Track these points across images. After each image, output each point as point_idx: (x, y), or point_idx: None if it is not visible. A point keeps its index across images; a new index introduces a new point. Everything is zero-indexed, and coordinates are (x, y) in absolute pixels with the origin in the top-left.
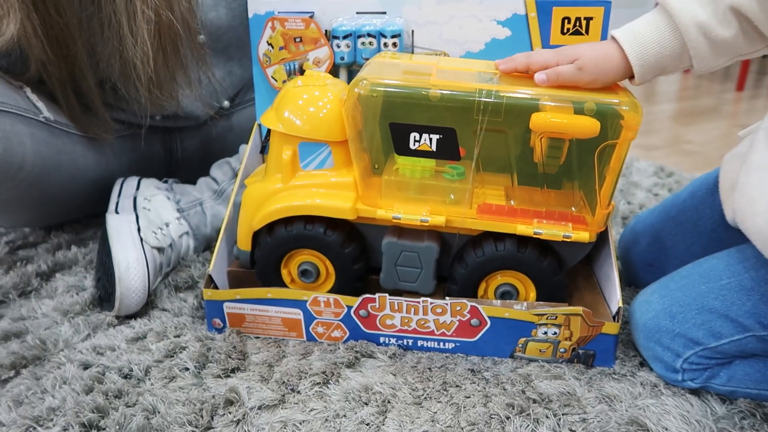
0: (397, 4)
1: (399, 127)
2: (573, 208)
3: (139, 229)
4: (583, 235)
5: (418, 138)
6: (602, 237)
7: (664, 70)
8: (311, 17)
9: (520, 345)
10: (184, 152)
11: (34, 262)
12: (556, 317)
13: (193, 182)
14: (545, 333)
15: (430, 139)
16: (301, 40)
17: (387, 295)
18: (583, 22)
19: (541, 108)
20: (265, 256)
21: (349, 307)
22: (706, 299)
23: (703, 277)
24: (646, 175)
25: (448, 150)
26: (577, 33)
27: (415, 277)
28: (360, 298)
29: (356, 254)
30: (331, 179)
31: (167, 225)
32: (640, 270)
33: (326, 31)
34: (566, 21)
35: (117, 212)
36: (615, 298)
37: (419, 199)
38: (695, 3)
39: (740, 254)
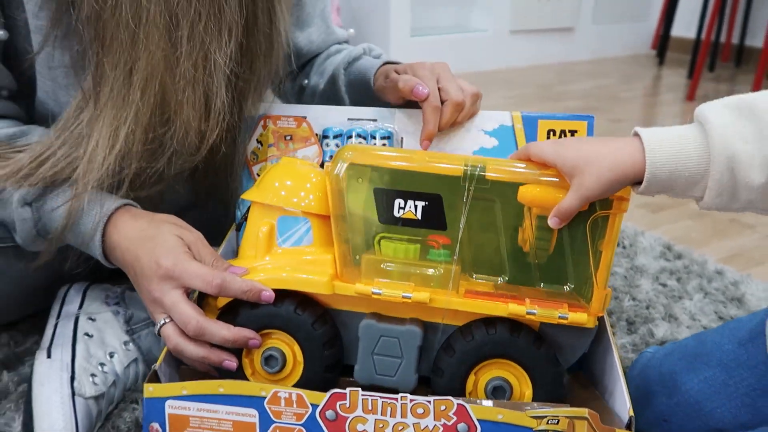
0: (388, 114)
1: (383, 192)
2: (568, 286)
3: (72, 378)
4: (581, 317)
5: (402, 205)
6: (600, 334)
7: (672, 190)
8: (304, 119)
9: None
10: None
11: None
12: (558, 421)
13: None
14: None
15: (415, 206)
16: (291, 138)
17: (359, 390)
18: (568, 134)
19: (528, 181)
20: None
21: (314, 406)
22: None
23: None
24: (652, 255)
25: (433, 218)
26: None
27: (394, 369)
28: (328, 394)
29: (329, 337)
30: (309, 256)
31: (111, 356)
32: (653, 425)
33: (317, 134)
34: (551, 133)
35: (49, 352)
36: (623, 402)
37: (402, 280)
38: (738, 134)
39: None
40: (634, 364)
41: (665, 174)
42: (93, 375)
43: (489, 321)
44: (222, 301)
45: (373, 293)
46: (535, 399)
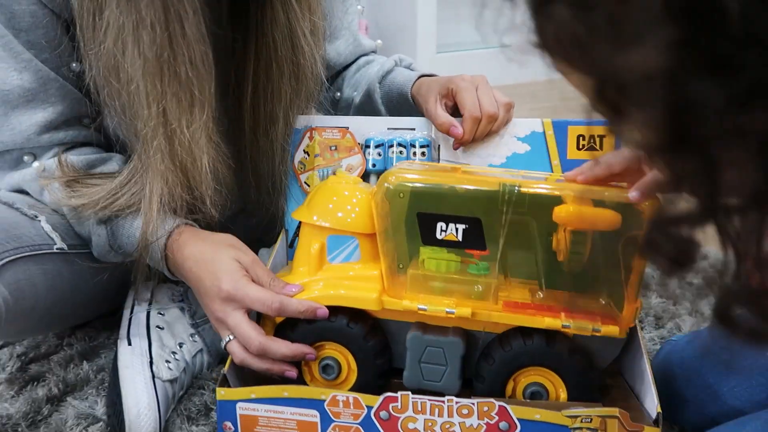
0: (426, 123)
1: (426, 216)
2: (601, 300)
3: (151, 363)
4: (613, 329)
5: (444, 228)
6: (631, 338)
7: None
8: (348, 129)
9: None
10: None
11: (45, 383)
12: (591, 419)
13: None
14: None
15: (456, 229)
16: (336, 148)
17: (410, 393)
18: (597, 140)
19: (563, 200)
20: None
21: (369, 408)
22: None
23: None
24: None
25: (473, 240)
26: (591, 149)
27: (440, 375)
28: (381, 397)
29: (379, 348)
30: (358, 272)
31: (181, 346)
32: (677, 407)
33: (359, 144)
34: (581, 138)
35: (129, 339)
36: (652, 401)
37: (445, 294)
38: None
39: None
40: (658, 351)
41: None
42: (167, 361)
43: (526, 331)
44: (280, 317)
45: (419, 309)
46: (569, 401)
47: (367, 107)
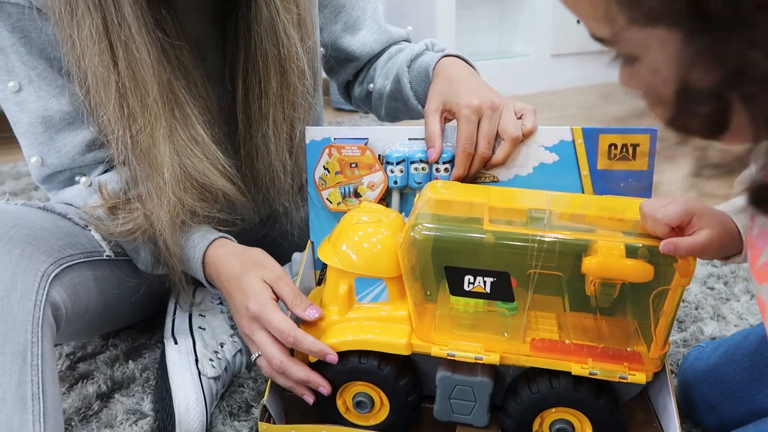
0: (448, 131)
1: (454, 270)
2: (628, 349)
3: (197, 360)
4: (640, 377)
5: (472, 281)
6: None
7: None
8: (366, 144)
9: None
10: None
11: (94, 380)
12: None
13: None
14: None
15: (484, 282)
16: (356, 166)
17: None
18: (630, 149)
19: (592, 251)
20: None
21: None
22: None
23: None
24: (700, 262)
25: (501, 292)
26: (624, 158)
27: (469, 410)
28: None
29: (410, 387)
30: (386, 313)
31: (222, 346)
32: (702, 411)
33: (379, 155)
34: (613, 147)
35: (174, 338)
36: None
37: (473, 334)
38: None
39: None
40: (686, 357)
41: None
42: (210, 360)
43: (553, 372)
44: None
45: (449, 355)
46: None
47: (397, 94)
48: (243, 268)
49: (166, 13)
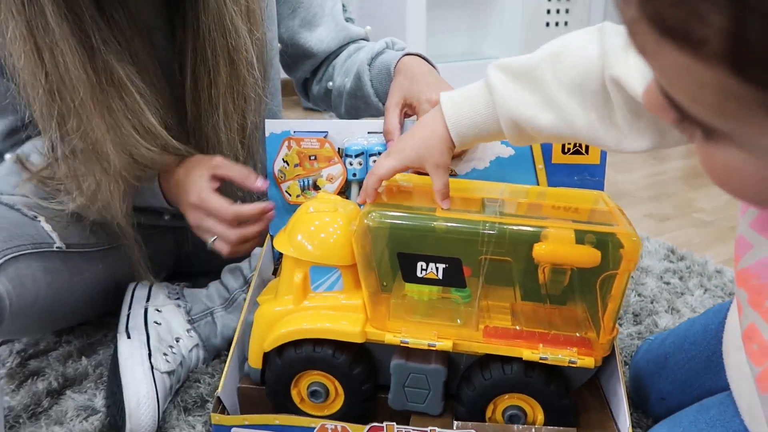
0: (407, 127)
1: (406, 256)
2: (577, 334)
3: (150, 355)
4: (588, 361)
5: (424, 267)
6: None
7: (484, 140)
8: (325, 137)
9: None
10: (195, 246)
11: (45, 377)
12: None
13: (202, 274)
14: None
15: (437, 268)
16: (315, 158)
17: (395, 424)
18: (583, 144)
19: (542, 237)
20: (275, 377)
21: None
22: None
23: (710, 425)
24: (657, 258)
25: (453, 278)
26: (577, 152)
27: (423, 398)
28: (367, 427)
29: (365, 375)
30: (341, 301)
31: (177, 340)
32: (653, 402)
33: (339, 149)
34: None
35: (128, 333)
36: (625, 423)
37: (427, 321)
38: (521, 103)
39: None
40: (637, 350)
41: (470, 132)
42: (165, 354)
43: (505, 359)
44: (269, 345)
45: (402, 342)
46: (546, 423)
47: (357, 92)
48: (185, 171)
49: (116, 1)
